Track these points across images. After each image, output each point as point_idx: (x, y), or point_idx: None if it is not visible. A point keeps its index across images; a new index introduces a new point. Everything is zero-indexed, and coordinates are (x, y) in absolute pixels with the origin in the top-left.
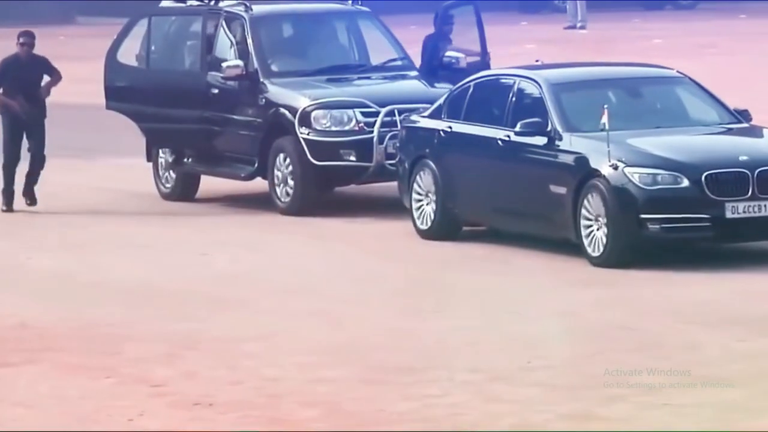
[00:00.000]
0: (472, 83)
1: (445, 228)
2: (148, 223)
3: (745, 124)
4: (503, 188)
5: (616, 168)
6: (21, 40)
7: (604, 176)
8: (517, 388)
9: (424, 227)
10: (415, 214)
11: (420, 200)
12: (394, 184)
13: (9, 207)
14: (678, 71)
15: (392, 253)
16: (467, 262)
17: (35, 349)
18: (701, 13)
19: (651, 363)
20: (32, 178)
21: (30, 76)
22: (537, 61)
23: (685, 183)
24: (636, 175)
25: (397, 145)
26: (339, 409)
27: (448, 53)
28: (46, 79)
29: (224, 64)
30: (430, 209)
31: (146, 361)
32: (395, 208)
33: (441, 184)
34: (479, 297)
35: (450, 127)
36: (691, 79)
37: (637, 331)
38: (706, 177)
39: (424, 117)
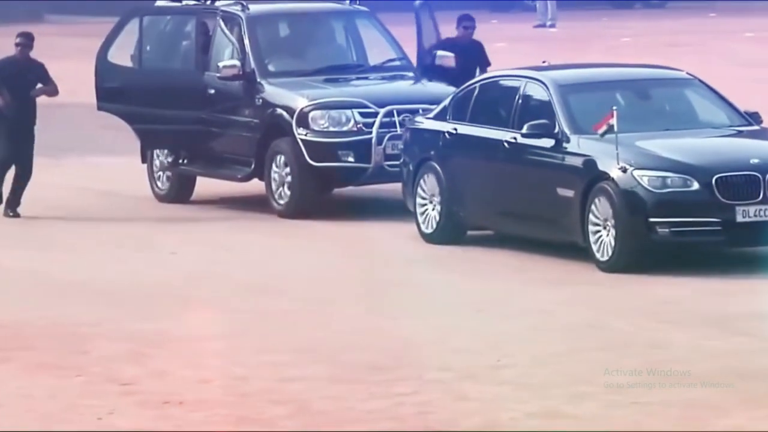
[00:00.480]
0: (477, 84)
1: (450, 232)
2: (125, 224)
3: (756, 127)
4: (509, 191)
5: (624, 171)
6: (17, 40)
7: (612, 179)
8: (486, 386)
9: (428, 231)
10: (419, 218)
11: (424, 203)
12: (400, 186)
13: None
14: (687, 73)
15: (377, 255)
16: (444, 262)
17: (6, 348)
18: (671, 11)
19: (620, 362)
20: (19, 188)
21: (23, 79)
22: (544, 62)
23: (695, 186)
24: (645, 178)
25: (400, 146)
26: (308, 407)
27: (440, 53)
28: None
29: (221, 64)
30: (434, 213)
31: (115, 360)
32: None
33: (446, 187)
34: (450, 296)
35: (455, 129)
36: (700, 80)
37: (606, 330)
38: (716, 180)
39: (428, 118)
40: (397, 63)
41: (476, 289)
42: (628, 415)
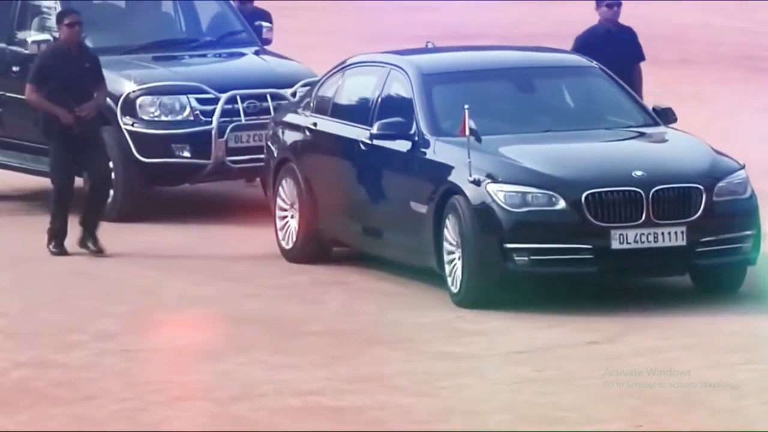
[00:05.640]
0: (344, 70)
1: (311, 248)
2: None
3: (662, 128)
4: (365, 203)
5: (477, 184)
6: (67, 21)
7: (463, 194)
8: None
9: (287, 246)
10: (279, 230)
11: (285, 213)
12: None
13: (61, 249)
14: (588, 59)
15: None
16: None
17: None
18: None
19: (110, 308)
20: (93, 214)
21: (79, 73)
22: (428, 43)
23: (561, 205)
24: (501, 193)
25: (269, 142)
26: None
27: None
28: None
29: (29, 38)
30: (295, 224)
31: None
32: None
33: (305, 195)
34: None
35: (315, 124)
36: (602, 68)
37: (95, 277)
38: (586, 197)
39: (297, 110)
40: (238, 36)
41: None
42: (118, 363)
